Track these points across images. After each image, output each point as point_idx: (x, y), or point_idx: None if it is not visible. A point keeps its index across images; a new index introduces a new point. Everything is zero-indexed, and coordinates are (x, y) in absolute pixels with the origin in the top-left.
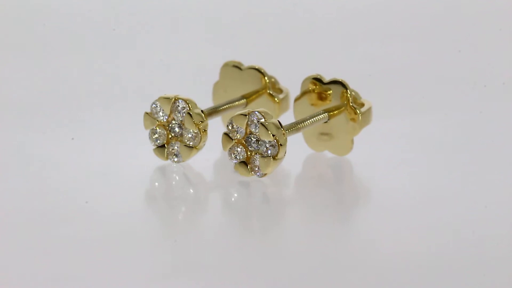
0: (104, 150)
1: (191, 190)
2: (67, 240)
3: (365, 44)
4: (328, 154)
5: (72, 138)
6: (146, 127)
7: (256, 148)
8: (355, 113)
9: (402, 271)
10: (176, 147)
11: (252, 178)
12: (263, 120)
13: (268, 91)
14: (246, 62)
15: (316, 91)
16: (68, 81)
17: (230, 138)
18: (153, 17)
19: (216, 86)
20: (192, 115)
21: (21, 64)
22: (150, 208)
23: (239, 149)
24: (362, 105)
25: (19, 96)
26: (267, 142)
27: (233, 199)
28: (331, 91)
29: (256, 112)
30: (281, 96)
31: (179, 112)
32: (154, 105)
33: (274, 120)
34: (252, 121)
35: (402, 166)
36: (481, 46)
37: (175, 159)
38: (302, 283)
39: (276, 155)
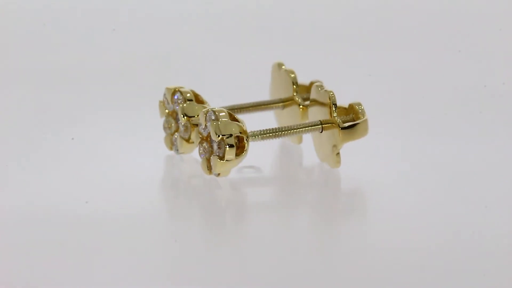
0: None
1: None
2: (66, 239)
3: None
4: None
5: (72, 138)
6: (160, 115)
7: (214, 146)
8: (338, 127)
9: (402, 272)
10: (176, 138)
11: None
12: (214, 119)
13: (295, 96)
14: (293, 63)
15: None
16: (68, 81)
17: (200, 134)
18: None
19: (270, 86)
20: (184, 108)
21: (21, 64)
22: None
23: (204, 145)
24: (358, 119)
25: (19, 96)
26: (217, 142)
27: (232, 200)
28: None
29: (212, 111)
30: (307, 102)
31: (176, 104)
32: (163, 95)
33: (226, 121)
34: (208, 119)
35: (401, 166)
36: (481, 46)
37: (177, 151)
38: (302, 284)
39: (223, 156)
